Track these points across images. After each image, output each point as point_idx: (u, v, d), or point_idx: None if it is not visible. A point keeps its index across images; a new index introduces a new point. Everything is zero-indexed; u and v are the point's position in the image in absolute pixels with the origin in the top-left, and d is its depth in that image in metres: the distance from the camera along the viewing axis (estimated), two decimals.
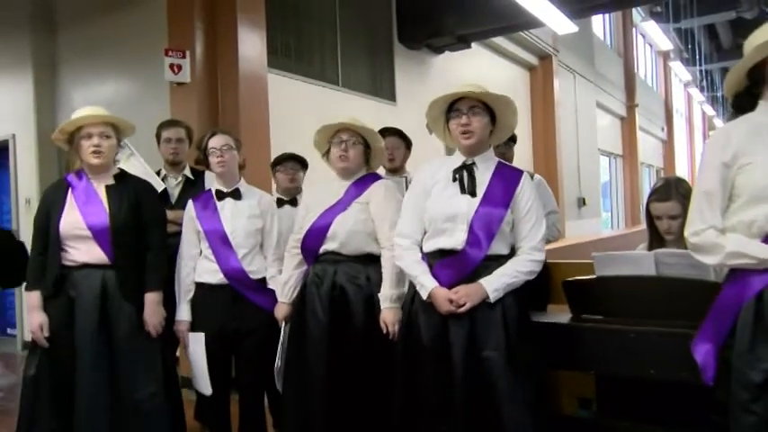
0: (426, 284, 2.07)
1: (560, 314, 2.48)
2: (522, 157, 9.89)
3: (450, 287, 2.03)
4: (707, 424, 1.77)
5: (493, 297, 2.01)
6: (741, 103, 1.82)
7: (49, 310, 2.36)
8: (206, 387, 2.59)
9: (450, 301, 2.00)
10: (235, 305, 2.61)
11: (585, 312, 2.31)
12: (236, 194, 2.69)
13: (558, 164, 10.52)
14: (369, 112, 6.18)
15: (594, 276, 2.27)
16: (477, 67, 8.65)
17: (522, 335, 2.04)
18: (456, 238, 2.07)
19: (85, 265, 2.38)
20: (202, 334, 2.58)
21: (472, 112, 2.09)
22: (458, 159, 2.18)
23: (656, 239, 2.42)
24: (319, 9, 5.99)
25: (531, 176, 3.10)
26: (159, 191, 3.14)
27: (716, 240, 1.71)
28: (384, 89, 6.79)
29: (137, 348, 2.39)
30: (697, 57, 19.99)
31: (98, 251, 2.38)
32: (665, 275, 2.12)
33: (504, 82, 9.66)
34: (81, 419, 2.29)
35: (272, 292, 2.63)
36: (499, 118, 2.18)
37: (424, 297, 2.07)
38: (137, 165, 2.99)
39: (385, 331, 2.27)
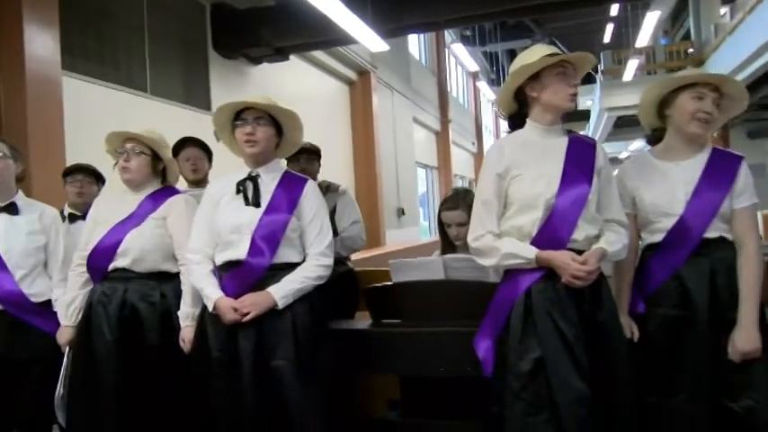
0: (211, 296, 2.04)
1: (364, 320, 2.57)
2: (343, 169, 10.12)
3: (236, 297, 2.01)
4: (486, 414, 1.92)
5: (281, 304, 2.00)
6: (515, 122, 2.04)
7: None
8: None
9: (235, 310, 1.98)
10: (13, 333, 2.34)
11: (385, 317, 2.42)
12: (11, 209, 2.42)
13: (378, 176, 10.91)
14: (182, 121, 5.94)
15: (391, 283, 2.38)
16: (297, 80, 8.71)
17: (313, 345, 2.05)
18: (240, 250, 2.05)
19: None
20: None
21: (257, 123, 2.10)
22: (244, 172, 2.18)
23: (448, 245, 2.60)
24: (125, 11, 5.64)
25: (337, 188, 3.19)
26: None
27: (493, 244, 1.89)
28: (198, 98, 6.56)
29: None
30: (501, 78, 22.00)
31: None
32: (452, 279, 2.29)
33: (324, 95, 9.83)
34: None
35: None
36: (285, 132, 2.21)
37: (210, 308, 2.04)
38: None
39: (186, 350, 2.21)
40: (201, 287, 2.08)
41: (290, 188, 2.15)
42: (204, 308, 2.10)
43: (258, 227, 2.05)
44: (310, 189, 2.18)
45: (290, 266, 2.08)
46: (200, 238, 2.16)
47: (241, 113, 2.12)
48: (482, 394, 1.95)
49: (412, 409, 2.53)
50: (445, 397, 2.39)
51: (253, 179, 2.14)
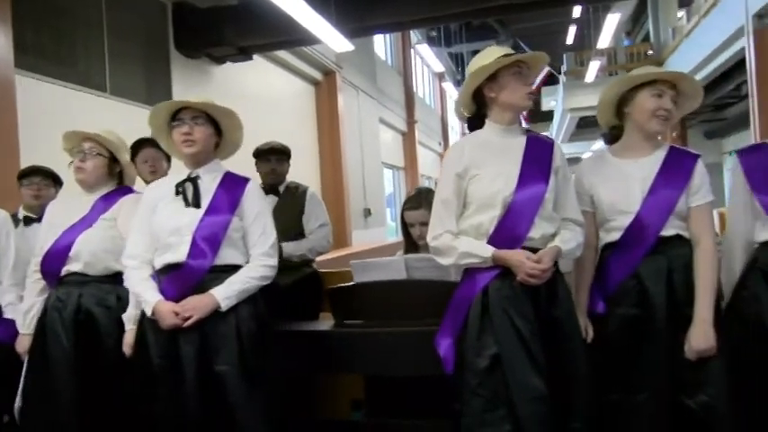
0: (150, 300, 1.97)
1: (327, 321, 2.56)
2: (310, 169, 10.06)
3: (177, 301, 1.95)
4: (449, 411, 1.93)
5: (224, 305, 1.95)
6: (474, 123, 2.05)
7: None
8: None
9: (176, 314, 1.92)
10: None
11: (347, 318, 2.40)
12: None
13: (345, 176, 10.87)
14: (143, 122, 5.79)
15: (353, 283, 2.37)
16: (261, 80, 8.63)
17: (258, 348, 2.00)
18: (181, 251, 2.00)
19: None
20: None
21: (195, 122, 2.05)
22: (183, 173, 2.13)
23: (411, 245, 2.61)
24: (82, 8, 5.51)
25: (306, 190, 3.18)
26: None
27: (451, 243, 1.91)
28: (160, 98, 6.39)
29: None
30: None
31: None
32: (414, 279, 2.29)
33: (289, 95, 9.76)
34: None
35: (9, 322, 2.34)
36: (224, 132, 2.16)
37: (149, 313, 1.98)
38: None
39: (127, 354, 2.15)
40: (139, 292, 2.02)
41: (232, 188, 2.09)
42: (143, 313, 2.03)
43: (199, 227, 1.99)
44: (252, 189, 2.12)
45: (233, 268, 2.02)
46: (138, 242, 2.08)
47: (178, 114, 2.07)
48: (446, 392, 1.95)
49: (376, 408, 2.53)
50: (409, 396, 2.39)
51: (192, 180, 2.08)
